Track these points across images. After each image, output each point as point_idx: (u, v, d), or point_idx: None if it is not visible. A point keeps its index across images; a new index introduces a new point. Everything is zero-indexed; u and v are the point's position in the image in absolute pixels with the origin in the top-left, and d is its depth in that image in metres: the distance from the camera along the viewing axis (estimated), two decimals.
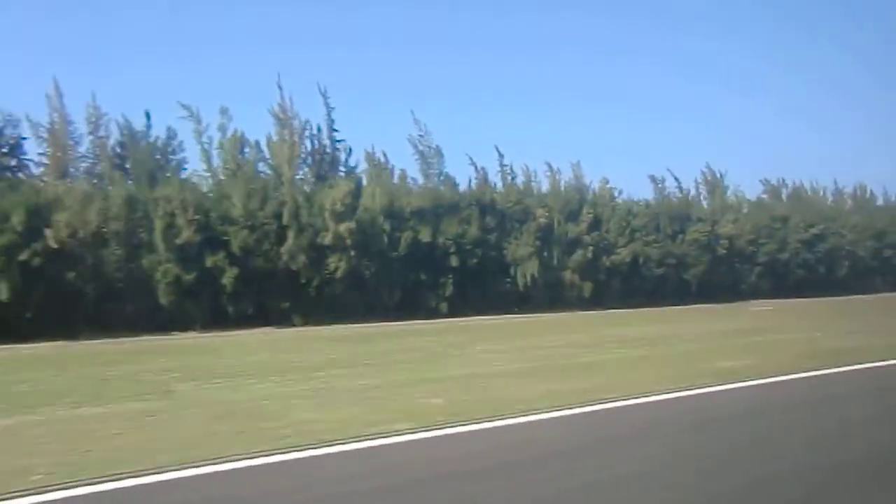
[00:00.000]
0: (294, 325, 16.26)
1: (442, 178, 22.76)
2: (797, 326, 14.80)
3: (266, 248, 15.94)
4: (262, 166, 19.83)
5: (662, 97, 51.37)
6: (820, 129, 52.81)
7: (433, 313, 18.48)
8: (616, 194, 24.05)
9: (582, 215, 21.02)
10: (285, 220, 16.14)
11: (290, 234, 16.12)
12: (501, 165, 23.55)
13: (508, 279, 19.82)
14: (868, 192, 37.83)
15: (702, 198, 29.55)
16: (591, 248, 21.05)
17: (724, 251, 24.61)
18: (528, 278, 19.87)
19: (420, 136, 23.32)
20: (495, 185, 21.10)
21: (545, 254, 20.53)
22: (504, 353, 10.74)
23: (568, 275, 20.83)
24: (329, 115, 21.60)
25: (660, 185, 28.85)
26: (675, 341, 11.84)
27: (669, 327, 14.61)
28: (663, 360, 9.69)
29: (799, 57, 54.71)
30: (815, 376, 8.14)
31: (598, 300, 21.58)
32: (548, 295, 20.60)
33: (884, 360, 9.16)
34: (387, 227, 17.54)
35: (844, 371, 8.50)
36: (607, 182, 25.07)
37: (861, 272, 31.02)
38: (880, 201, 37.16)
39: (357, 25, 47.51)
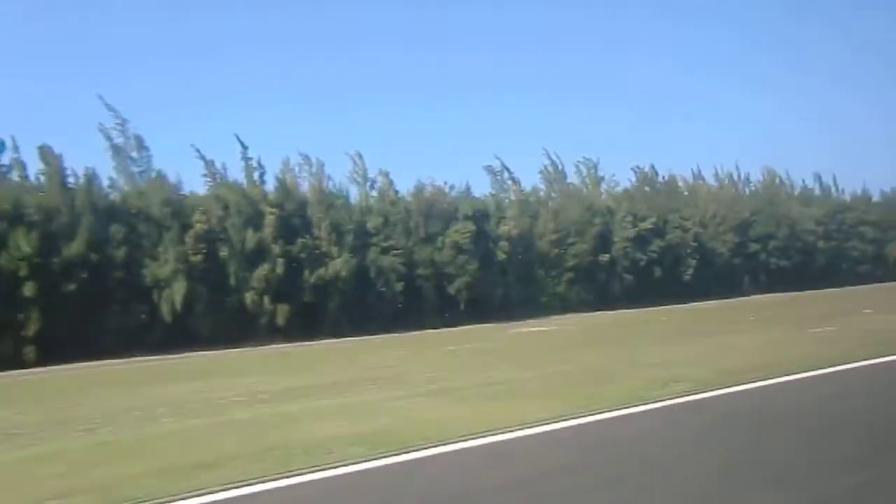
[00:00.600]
0: None
1: (153, 175, 17.93)
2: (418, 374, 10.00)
3: None
4: None
5: (661, 90, 47.66)
6: (823, 121, 49.15)
7: (15, 362, 13.44)
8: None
9: (265, 217, 16.05)
10: None
11: None
12: (245, 159, 18.70)
13: (147, 308, 14.79)
14: (777, 178, 33.66)
15: (551, 192, 25.21)
16: (281, 259, 16.08)
17: (505, 256, 19.77)
18: (178, 305, 14.87)
19: (118, 124, 18.53)
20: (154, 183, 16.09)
21: (215, 271, 15.57)
22: None
23: (251, 297, 15.87)
24: None
25: (498, 178, 24.39)
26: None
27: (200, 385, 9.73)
28: None
29: (802, 48, 50.91)
30: None
31: (307, 328, 16.61)
32: (222, 325, 15.62)
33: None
34: None
35: None
36: (388, 174, 20.28)
37: (721, 272, 26.40)
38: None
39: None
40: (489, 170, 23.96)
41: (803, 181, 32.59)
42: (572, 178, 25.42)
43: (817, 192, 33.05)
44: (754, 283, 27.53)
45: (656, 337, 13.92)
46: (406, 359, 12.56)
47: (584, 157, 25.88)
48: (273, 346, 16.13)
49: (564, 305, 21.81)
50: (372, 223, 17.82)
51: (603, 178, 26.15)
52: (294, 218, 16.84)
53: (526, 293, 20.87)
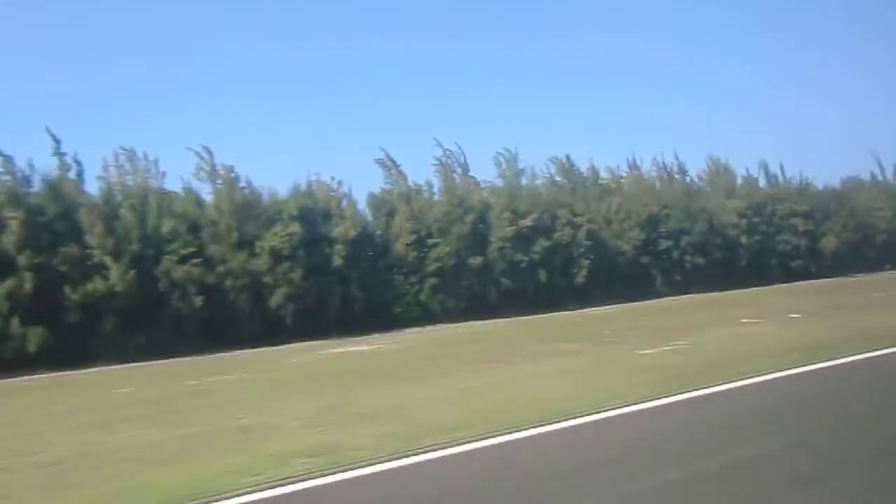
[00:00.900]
0: None
1: None
2: None
3: None
4: None
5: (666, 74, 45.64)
6: (833, 104, 46.95)
7: None
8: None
9: (8, 224, 13.46)
10: None
11: None
12: (58, 153, 16.06)
13: None
14: (722, 168, 31.17)
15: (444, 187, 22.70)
16: (29, 273, 13.51)
17: (341, 261, 17.27)
18: None
19: None
20: None
21: None
22: None
23: None
24: None
25: (392, 171, 21.92)
26: None
27: None
28: None
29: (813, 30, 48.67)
30: None
31: (77, 354, 14.01)
32: None
33: None
34: None
35: None
36: (232, 169, 17.68)
37: (626, 272, 23.98)
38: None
39: None
40: (380, 163, 21.59)
41: (747, 170, 30.09)
42: (487, 171, 23.07)
43: (762, 182, 30.64)
44: (668, 283, 25.09)
45: (449, 363, 11.40)
46: (107, 403, 10.06)
47: (503, 148, 23.47)
48: (24, 378, 13.60)
49: (428, 315, 19.35)
50: (166, 228, 15.27)
51: (523, 171, 23.83)
52: (57, 223, 14.27)
53: (378, 303, 18.37)
